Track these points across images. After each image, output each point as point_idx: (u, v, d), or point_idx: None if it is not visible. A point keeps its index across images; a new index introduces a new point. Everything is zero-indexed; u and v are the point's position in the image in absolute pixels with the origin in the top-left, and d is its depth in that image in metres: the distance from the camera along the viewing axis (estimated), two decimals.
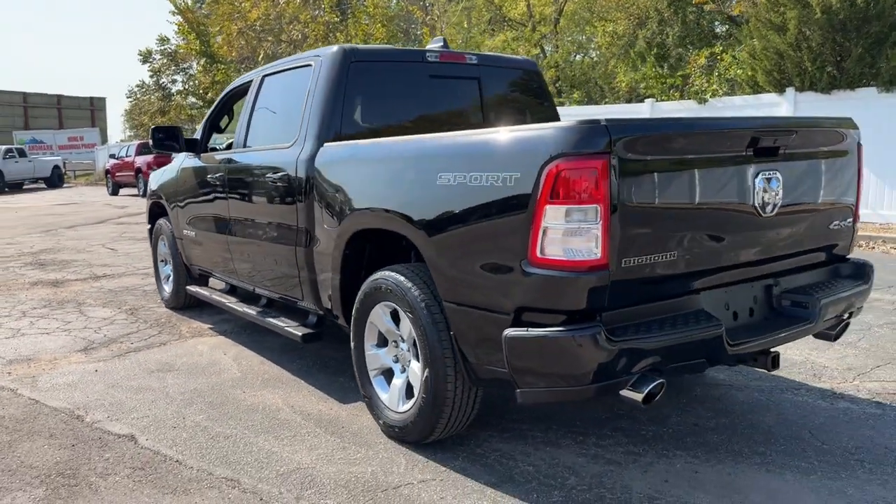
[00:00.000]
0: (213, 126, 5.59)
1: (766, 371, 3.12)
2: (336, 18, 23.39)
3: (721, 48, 16.15)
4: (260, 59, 24.27)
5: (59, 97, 48.09)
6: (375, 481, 3.00)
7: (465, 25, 23.92)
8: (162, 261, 6.45)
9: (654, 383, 2.57)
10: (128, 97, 44.60)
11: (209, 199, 5.11)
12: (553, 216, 2.45)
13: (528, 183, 2.53)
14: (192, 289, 5.74)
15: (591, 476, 3.01)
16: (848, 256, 3.58)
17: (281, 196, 4.10)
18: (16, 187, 28.65)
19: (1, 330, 5.63)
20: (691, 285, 2.82)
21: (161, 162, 16.27)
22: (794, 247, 3.20)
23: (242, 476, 3.08)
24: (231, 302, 5.11)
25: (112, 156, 26.75)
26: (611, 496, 2.84)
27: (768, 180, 2.91)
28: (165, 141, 5.30)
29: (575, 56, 24.49)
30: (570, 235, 2.45)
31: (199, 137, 5.52)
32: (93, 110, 49.92)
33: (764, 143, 2.88)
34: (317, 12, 24.13)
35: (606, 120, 2.46)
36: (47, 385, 4.29)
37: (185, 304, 6.16)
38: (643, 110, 13.89)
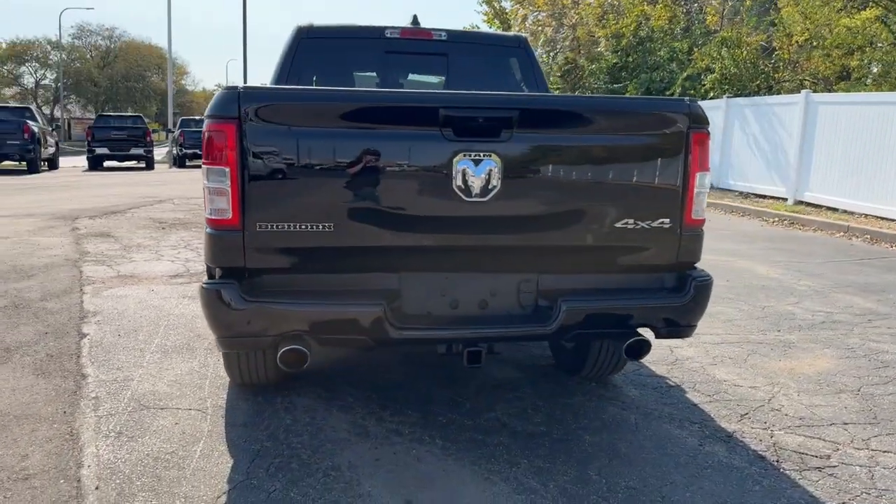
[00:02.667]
0: None
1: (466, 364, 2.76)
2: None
3: None
4: (540, 43, 24.90)
5: None
6: None
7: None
8: None
9: (290, 347, 2.58)
10: None
11: None
12: (205, 176, 2.60)
13: None
14: None
15: (312, 446, 3.01)
16: (695, 265, 2.95)
17: None
18: None
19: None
20: (365, 263, 2.69)
21: None
22: (545, 240, 2.78)
23: None
24: None
25: None
26: (300, 463, 2.85)
27: (476, 163, 2.59)
28: None
29: None
30: (212, 195, 2.57)
31: None
32: None
33: (467, 122, 2.58)
34: None
35: (243, 87, 2.52)
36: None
37: None
38: None
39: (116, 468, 2.77)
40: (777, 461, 2.99)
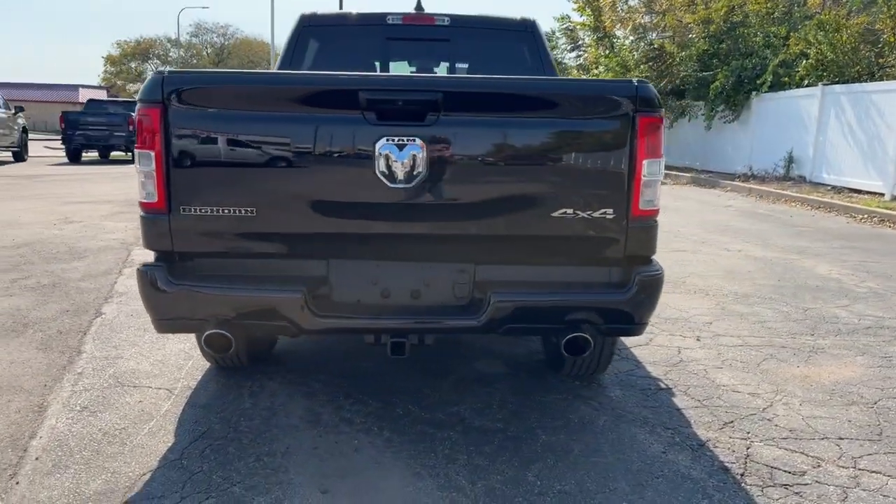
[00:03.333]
0: None
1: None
2: None
3: None
4: (629, 30, 24.08)
5: None
6: None
7: None
8: None
9: (213, 331, 2.59)
10: None
11: None
12: (136, 160, 2.65)
13: None
14: None
15: (258, 430, 3.02)
16: (651, 259, 2.74)
17: None
18: None
19: None
20: (289, 248, 2.66)
21: None
22: (477, 229, 2.65)
23: None
24: None
25: None
26: (238, 446, 2.86)
27: (400, 147, 2.49)
28: None
29: None
30: (143, 178, 2.61)
31: None
32: None
33: (389, 105, 2.50)
34: None
35: (168, 71, 2.55)
36: None
37: None
38: None
39: (64, 441, 2.88)
40: (741, 475, 2.74)
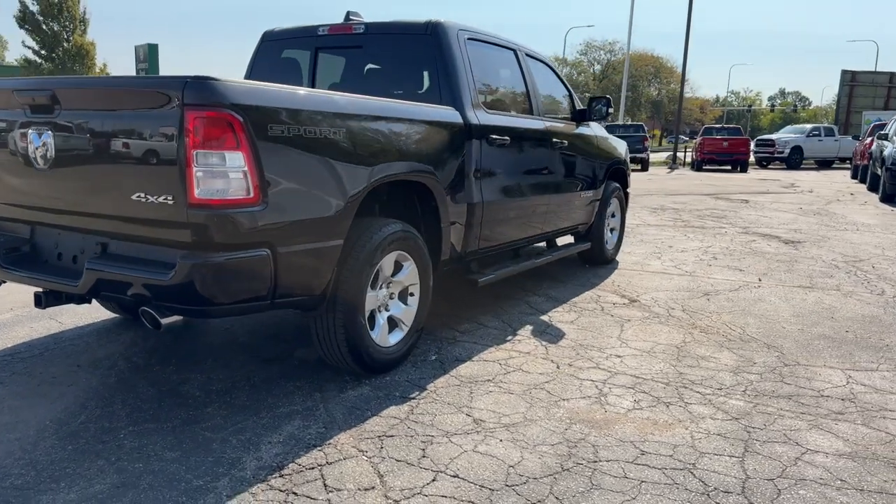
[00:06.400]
0: None
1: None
2: None
3: None
4: None
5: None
6: None
7: None
8: None
9: None
10: None
11: None
12: None
13: None
14: None
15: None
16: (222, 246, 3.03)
17: None
18: (824, 164, 31.47)
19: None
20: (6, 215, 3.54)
21: None
22: (90, 207, 3.14)
23: None
24: None
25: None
26: None
27: (39, 135, 3.14)
28: None
29: None
30: None
31: None
32: None
33: (31, 101, 3.17)
34: None
35: None
36: None
37: None
38: None
39: None
40: None
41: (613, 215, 7.18)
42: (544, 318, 5.01)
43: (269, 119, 2.91)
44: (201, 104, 2.71)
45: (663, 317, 5.11)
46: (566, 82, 6.18)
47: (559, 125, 5.68)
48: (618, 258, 7.35)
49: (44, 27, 36.62)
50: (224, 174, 2.79)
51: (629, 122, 36.40)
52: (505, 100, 5.28)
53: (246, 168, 2.82)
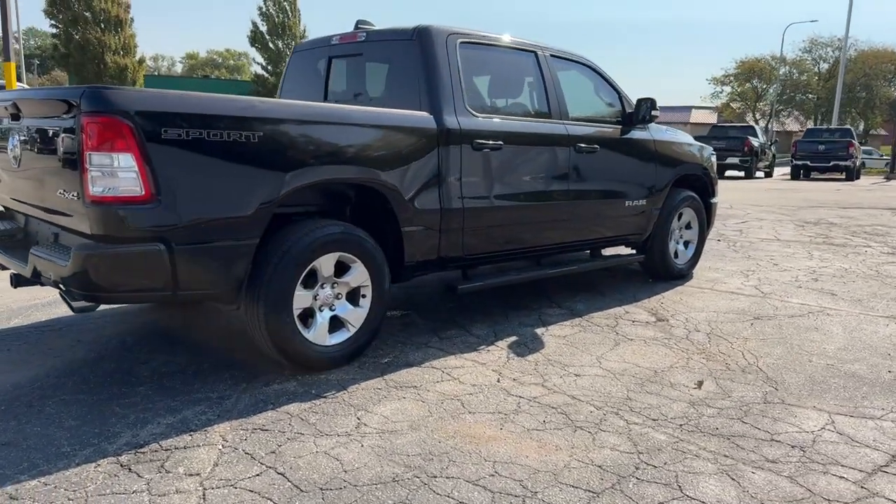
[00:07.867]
0: None
1: None
2: None
3: None
4: None
5: None
6: None
7: None
8: None
9: None
10: None
11: None
12: None
13: None
14: None
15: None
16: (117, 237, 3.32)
17: None
18: None
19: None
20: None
21: None
22: (42, 199, 3.62)
23: None
24: None
25: None
26: None
27: (13, 139, 3.71)
28: None
29: None
30: None
31: None
32: None
33: (8, 110, 3.67)
34: None
35: None
36: None
37: None
38: None
39: None
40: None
41: (689, 227, 6.61)
42: (539, 330, 4.78)
43: (163, 123, 3.16)
44: (95, 111, 3.07)
45: (676, 339, 4.64)
46: (617, 85, 5.82)
47: (588, 129, 5.37)
48: (694, 273, 6.75)
49: (270, 45, 40.66)
50: (114, 174, 3.11)
51: (833, 127, 32.51)
52: (510, 104, 5.12)
53: (136, 168, 3.12)
